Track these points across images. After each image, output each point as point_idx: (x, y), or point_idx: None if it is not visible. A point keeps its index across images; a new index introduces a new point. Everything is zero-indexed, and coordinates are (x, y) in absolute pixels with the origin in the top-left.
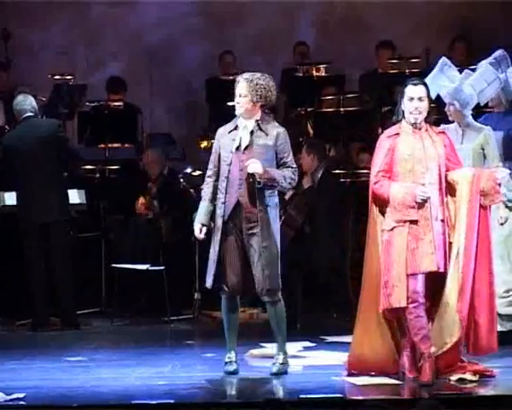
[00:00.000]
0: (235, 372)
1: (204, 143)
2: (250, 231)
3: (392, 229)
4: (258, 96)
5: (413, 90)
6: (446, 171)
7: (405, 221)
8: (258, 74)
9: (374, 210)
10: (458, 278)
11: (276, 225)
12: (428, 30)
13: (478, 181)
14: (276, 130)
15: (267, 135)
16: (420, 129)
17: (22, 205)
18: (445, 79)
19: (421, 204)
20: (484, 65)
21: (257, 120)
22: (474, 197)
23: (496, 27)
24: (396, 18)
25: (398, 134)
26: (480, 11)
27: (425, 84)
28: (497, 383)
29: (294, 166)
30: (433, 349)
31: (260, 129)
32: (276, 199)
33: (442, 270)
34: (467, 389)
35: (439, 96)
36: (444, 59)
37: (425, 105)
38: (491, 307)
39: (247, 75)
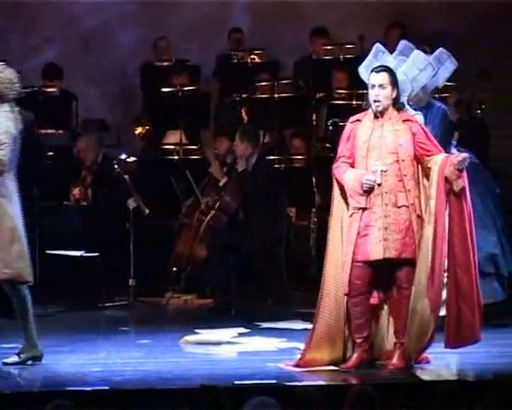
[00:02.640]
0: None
1: (138, 130)
2: None
3: (351, 215)
4: None
5: (374, 78)
6: (422, 158)
7: (359, 208)
8: None
9: (336, 194)
10: (427, 265)
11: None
12: (363, 16)
13: (444, 166)
14: None
15: None
16: (383, 116)
17: None
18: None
19: (369, 191)
20: (415, 52)
21: None
22: (441, 183)
23: (430, 14)
24: (331, 4)
25: (359, 120)
26: None
27: (389, 71)
28: (430, 369)
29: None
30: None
31: None
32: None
33: (401, 256)
34: (400, 375)
35: None
36: (378, 45)
37: (386, 93)
38: (471, 294)
39: None
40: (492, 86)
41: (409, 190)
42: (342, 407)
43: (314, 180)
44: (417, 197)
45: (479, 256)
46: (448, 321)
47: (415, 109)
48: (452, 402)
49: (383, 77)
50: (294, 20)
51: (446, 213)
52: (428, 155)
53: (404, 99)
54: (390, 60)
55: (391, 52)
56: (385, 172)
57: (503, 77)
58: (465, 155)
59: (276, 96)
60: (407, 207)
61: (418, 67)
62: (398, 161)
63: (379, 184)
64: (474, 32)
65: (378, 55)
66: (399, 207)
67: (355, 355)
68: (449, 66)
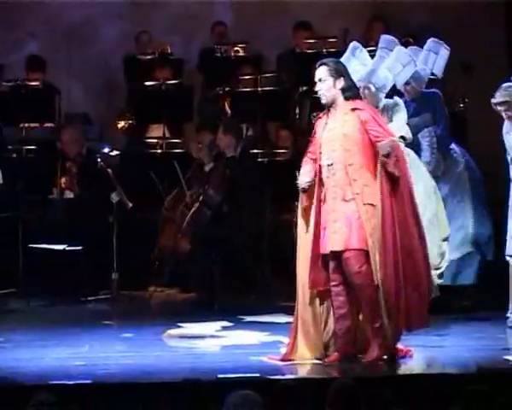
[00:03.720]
0: None
1: (121, 124)
2: None
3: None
4: None
5: (315, 74)
6: (375, 144)
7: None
8: None
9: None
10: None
11: None
12: (347, 11)
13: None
14: None
15: None
16: (335, 109)
17: None
18: (357, 63)
19: (305, 190)
20: (398, 48)
21: None
22: (380, 169)
23: (413, 8)
24: None
25: (320, 117)
26: None
27: (328, 64)
28: (413, 363)
29: None
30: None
31: None
32: None
33: (350, 248)
34: (382, 368)
35: None
36: (354, 43)
37: (327, 85)
38: (419, 280)
39: None
40: (475, 81)
41: (354, 180)
42: (325, 401)
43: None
44: (367, 185)
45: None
46: (397, 305)
47: (405, 102)
48: (435, 396)
49: (321, 71)
50: (278, 14)
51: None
52: (379, 141)
53: (382, 95)
54: (366, 57)
55: (374, 46)
56: (331, 165)
57: (485, 72)
58: (387, 140)
59: (259, 89)
60: (354, 200)
61: (402, 63)
62: (344, 151)
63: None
64: (457, 26)
65: (355, 51)
66: (348, 201)
67: (338, 348)
68: (443, 53)
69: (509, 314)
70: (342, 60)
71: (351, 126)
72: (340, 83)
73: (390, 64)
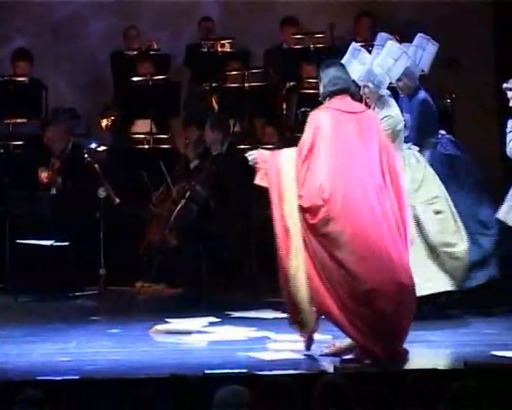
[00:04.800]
0: None
1: (104, 122)
2: None
3: None
4: None
5: None
6: None
7: None
8: None
9: None
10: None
11: None
12: (334, 6)
13: None
14: None
15: None
16: None
17: None
18: (356, 63)
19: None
20: (389, 43)
21: None
22: None
23: (400, 3)
24: None
25: None
26: None
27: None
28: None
29: None
30: None
31: None
32: None
33: None
34: (369, 364)
35: None
36: (353, 45)
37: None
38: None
39: None
40: (462, 79)
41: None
42: (313, 396)
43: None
44: None
45: None
46: None
47: (395, 99)
48: (422, 391)
49: (386, 62)
50: (265, 10)
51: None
52: None
53: (383, 91)
54: (366, 56)
55: (362, 41)
56: None
57: (472, 70)
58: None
59: (246, 85)
60: None
61: (393, 57)
62: None
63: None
64: (445, 24)
65: (355, 53)
66: None
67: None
68: (431, 49)
69: None
70: (343, 62)
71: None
72: (321, 85)
73: (381, 60)
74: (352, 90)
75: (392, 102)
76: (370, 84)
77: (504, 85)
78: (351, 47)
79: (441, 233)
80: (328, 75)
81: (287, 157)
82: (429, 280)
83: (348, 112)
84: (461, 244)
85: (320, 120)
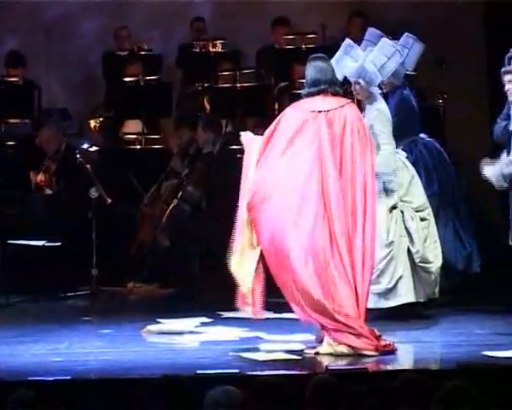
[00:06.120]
0: None
1: (92, 123)
2: None
3: None
4: None
5: None
6: None
7: None
8: None
9: None
10: None
11: None
12: (325, 6)
13: None
14: None
15: None
16: None
17: None
18: (348, 59)
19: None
20: (382, 40)
21: None
22: None
23: (390, 4)
24: None
25: None
26: None
27: None
28: (392, 359)
29: None
30: None
31: None
32: None
33: None
34: (362, 364)
35: None
36: (347, 41)
37: None
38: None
39: None
40: (453, 79)
41: None
42: (305, 397)
43: None
44: None
45: None
46: None
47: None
48: (413, 391)
49: (378, 59)
50: (256, 10)
51: None
52: None
53: (374, 89)
54: (359, 53)
55: (354, 41)
56: None
57: (464, 70)
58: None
59: (238, 85)
60: None
61: (386, 55)
62: None
63: None
64: (436, 24)
65: (347, 49)
66: None
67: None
68: (416, 49)
69: None
70: (335, 58)
71: None
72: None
73: (374, 57)
74: (332, 90)
75: (382, 99)
76: (362, 81)
77: (503, 69)
78: (344, 43)
79: (423, 243)
80: (310, 74)
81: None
82: (409, 290)
83: (318, 111)
84: (436, 262)
85: (281, 119)
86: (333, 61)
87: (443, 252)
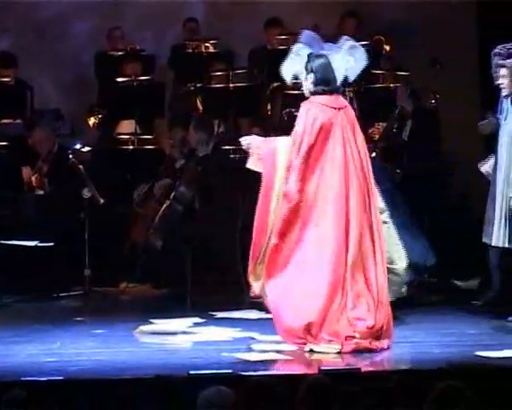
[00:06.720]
0: None
1: (92, 120)
2: None
3: None
4: None
5: None
6: None
7: None
8: None
9: None
10: None
11: None
12: (318, 6)
13: None
14: None
15: None
16: None
17: None
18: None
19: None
20: (349, 42)
21: None
22: None
23: (385, 3)
24: None
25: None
26: None
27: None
28: (384, 359)
29: None
30: None
31: None
32: None
33: None
34: (355, 364)
35: None
36: (298, 45)
37: (302, 79)
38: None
39: None
40: (446, 79)
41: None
42: (297, 397)
43: None
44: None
45: None
46: None
47: None
48: (406, 392)
49: (338, 60)
50: (249, 10)
51: None
52: None
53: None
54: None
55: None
56: None
57: (456, 70)
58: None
59: (231, 85)
60: None
61: (354, 57)
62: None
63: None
64: (429, 24)
65: (300, 51)
66: None
67: None
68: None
69: None
70: (286, 61)
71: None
72: (311, 78)
73: (341, 58)
74: (339, 89)
75: None
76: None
77: (496, 61)
78: (295, 47)
79: (388, 245)
80: (320, 73)
81: (282, 146)
82: None
83: (335, 108)
84: (400, 263)
85: (318, 117)
86: (286, 63)
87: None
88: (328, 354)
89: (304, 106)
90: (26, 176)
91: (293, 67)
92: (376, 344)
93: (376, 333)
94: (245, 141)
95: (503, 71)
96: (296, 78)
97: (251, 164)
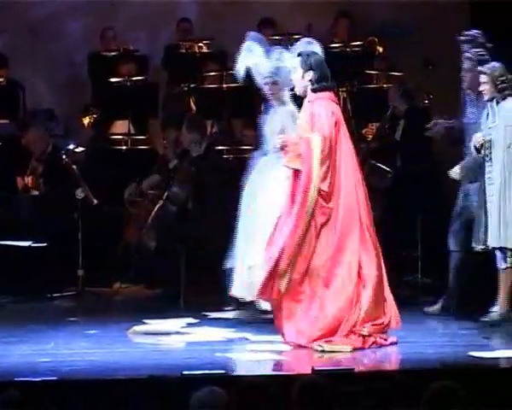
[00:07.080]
0: None
1: (86, 120)
2: None
3: None
4: None
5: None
6: None
7: None
8: None
9: None
10: None
11: None
12: (311, 6)
13: None
14: None
15: None
16: (306, 99)
17: None
18: (257, 58)
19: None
20: (304, 39)
21: None
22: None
23: (378, 3)
24: None
25: None
26: None
27: (300, 55)
28: (377, 359)
29: None
30: None
31: None
32: None
33: None
34: (348, 363)
35: None
36: (248, 43)
37: (296, 76)
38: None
39: None
40: (439, 79)
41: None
42: (291, 397)
43: None
44: None
45: None
46: None
47: None
48: (400, 392)
49: (295, 61)
50: (242, 10)
51: None
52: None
53: (286, 91)
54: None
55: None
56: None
57: (449, 70)
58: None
59: (224, 86)
60: None
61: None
62: (299, 139)
63: None
64: (422, 24)
65: (251, 48)
66: None
67: None
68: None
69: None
70: (239, 57)
71: (303, 117)
72: (309, 75)
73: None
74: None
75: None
76: (280, 81)
77: (479, 68)
78: (245, 45)
79: None
80: (320, 69)
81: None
82: None
83: (337, 103)
84: None
85: (334, 112)
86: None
87: None
88: (339, 353)
89: (317, 102)
90: (21, 184)
91: (246, 62)
92: (385, 338)
93: (384, 329)
94: (279, 140)
95: (484, 78)
96: (248, 74)
97: (289, 162)
